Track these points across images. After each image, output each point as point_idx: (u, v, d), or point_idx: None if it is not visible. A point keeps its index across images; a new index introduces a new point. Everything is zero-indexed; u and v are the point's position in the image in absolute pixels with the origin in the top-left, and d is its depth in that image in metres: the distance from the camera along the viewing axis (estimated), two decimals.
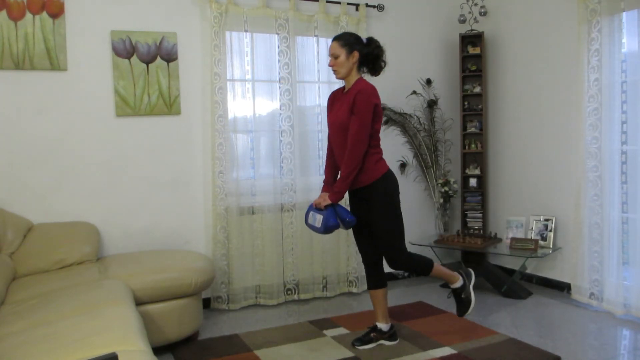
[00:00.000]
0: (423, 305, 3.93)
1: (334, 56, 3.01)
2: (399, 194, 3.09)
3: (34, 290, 2.81)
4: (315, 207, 3.10)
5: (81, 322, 2.16)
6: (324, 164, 3.29)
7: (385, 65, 3.11)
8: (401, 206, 3.11)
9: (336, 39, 3.04)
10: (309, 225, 3.14)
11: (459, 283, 3.24)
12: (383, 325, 3.20)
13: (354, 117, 2.93)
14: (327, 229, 3.04)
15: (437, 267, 3.21)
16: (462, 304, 3.24)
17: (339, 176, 3.06)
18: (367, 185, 3.02)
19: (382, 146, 3.11)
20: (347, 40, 3.00)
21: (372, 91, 2.96)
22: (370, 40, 3.07)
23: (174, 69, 3.81)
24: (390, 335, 3.20)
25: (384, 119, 4.58)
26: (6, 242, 3.20)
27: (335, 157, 3.15)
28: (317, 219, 3.06)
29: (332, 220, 3.01)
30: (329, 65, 3.08)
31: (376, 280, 3.22)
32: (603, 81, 3.63)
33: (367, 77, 3.12)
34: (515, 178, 4.56)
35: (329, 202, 3.02)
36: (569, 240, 4.03)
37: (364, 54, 3.02)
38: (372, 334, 3.18)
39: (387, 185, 3.03)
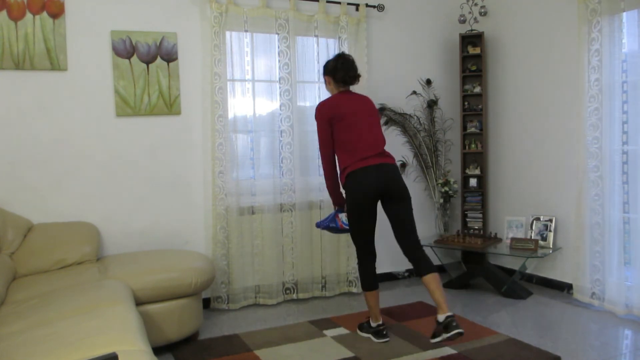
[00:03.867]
0: (423, 305, 3.93)
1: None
2: (354, 201, 3.15)
3: (34, 290, 2.81)
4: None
5: (81, 322, 2.16)
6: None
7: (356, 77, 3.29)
8: None
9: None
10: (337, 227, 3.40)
11: None
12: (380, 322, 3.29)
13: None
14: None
15: None
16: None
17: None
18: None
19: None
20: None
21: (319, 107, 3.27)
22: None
23: (174, 69, 3.81)
24: (377, 332, 3.26)
25: (384, 119, 4.58)
26: (6, 242, 3.19)
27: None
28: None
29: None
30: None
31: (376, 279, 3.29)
32: (603, 81, 3.63)
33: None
34: (515, 178, 4.56)
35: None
36: (570, 240, 4.03)
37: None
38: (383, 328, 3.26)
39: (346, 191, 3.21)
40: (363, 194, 3.09)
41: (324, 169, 3.29)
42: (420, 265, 3.08)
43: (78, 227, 3.48)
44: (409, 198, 3.17)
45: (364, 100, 3.28)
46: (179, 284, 3.11)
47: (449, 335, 2.81)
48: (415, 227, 3.18)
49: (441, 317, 2.88)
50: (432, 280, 3.00)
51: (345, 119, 3.14)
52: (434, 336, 2.92)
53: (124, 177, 3.75)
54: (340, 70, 3.20)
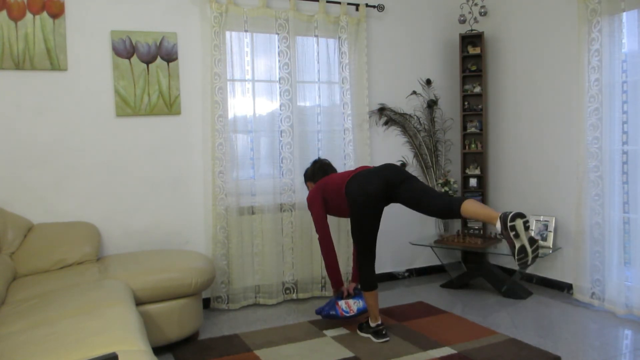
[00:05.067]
0: (423, 305, 3.93)
1: None
2: (357, 198, 3.16)
3: (34, 290, 2.81)
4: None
5: (81, 322, 2.16)
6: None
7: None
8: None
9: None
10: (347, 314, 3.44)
11: None
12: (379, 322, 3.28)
13: None
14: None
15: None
16: None
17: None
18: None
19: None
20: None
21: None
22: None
23: (174, 69, 3.81)
24: (376, 332, 3.26)
25: (384, 119, 4.58)
26: (6, 242, 3.20)
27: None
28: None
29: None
30: None
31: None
32: (603, 81, 3.63)
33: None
34: (515, 178, 4.56)
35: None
36: (570, 240, 4.03)
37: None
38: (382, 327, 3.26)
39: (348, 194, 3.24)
40: (363, 190, 3.13)
41: (323, 252, 3.41)
42: (451, 209, 2.89)
43: (78, 227, 3.48)
44: (412, 176, 3.19)
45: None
46: (179, 284, 3.11)
47: (510, 224, 2.51)
48: (435, 190, 3.11)
49: (498, 225, 2.60)
50: (468, 206, 2.79)
51: (329, 181, 3.44)
52: (512, 248, 2.56)
53: (124, 177, 3.74)
54: (318, 174, 3.64)
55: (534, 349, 3.04)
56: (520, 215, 2.54)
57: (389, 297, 4.14)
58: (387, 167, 3.23)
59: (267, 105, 4.13)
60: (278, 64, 4.09)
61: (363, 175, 3.20)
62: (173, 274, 3.12)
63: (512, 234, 2.52)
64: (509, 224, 2.51)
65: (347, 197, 3.21)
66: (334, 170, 3.71)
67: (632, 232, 3.58)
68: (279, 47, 4.08)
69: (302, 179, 4.18)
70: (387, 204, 3.21)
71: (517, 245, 2.52)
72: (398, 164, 4.61)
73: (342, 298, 3.44)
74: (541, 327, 3.45)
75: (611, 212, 3.67)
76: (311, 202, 3.48)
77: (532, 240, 2.53)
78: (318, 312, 3.47)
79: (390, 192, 3.14)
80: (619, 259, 3.64)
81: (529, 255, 2.52)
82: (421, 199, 3.05)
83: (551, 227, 4.16)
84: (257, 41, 4.05)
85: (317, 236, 3.43)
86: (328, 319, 3.47)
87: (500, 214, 2.61)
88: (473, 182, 4.73)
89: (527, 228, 2.54)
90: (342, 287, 3.46)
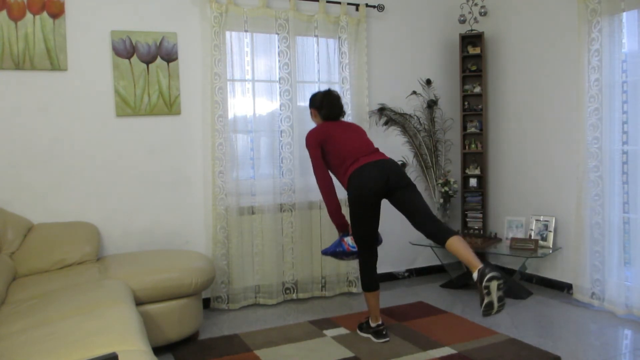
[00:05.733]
0: (423, 305, 3.93)
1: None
2: (358, 196, 3.14)
3: (34, 290, 2.81)
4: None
5: (81, 322, 2.16)
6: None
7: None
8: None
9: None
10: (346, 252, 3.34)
11: None
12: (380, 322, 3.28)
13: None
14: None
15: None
16: None
17: None
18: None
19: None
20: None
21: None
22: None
23: (174, 69, 3.81)
24: (376, 332, 3.26)
25: (384, 119, 4.58)
26: (6, 242, 3.20)
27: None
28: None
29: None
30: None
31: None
32: (603, 81, 3.63)
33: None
34: (515, 178, 4.56)
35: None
36: (570, 240, 4.03)
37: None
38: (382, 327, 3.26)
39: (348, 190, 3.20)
40: (364, 188, 3.11)
41: (323, 193, 3.31)
42: (438, 237, 3.00)
43: (78, 227, 3.48)
44: (413, 185, 3.19)
45: (350, 124, 3.48)
46: (179, 284, 3.11)
47: (484, 283, 2.62)
48: (430, 210, 3.12)
49: (475, 275, 2.71)
50: (453, 242, 2.90)
51: (334, 137, 3.31)
52: (481, 300, 2.67)
53: (124, 177, 3.75)
54: (325, 109, 3.43)
55: (534, 349, 3.04)
56: (497, 277, 2.66)
57: (389, 297, 4.14)
58: (391, 170, 3.17)
59: (267, 105, 4.14)
60: (278, 64, 4.09)
61: (365, 172, 3.14)
62: (173, 274, 3.12)
63: (484, 291, 2.67)
64: (484, 283, 2.66)
65: (348, 191, 3.20)
66: (339, 109, 3.46)
67: (632, 232, 3.58)
68: (279, 47, 4.08)
69: (303, 178, 4.18)
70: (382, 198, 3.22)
71: (486, 301, 2.68)
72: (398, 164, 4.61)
73: (348, 235, 3.34)
74: (541, 327, 3.46)
75: (611, 212, 3.67)
76: (309, 145, 3.37)
77: (500, 299, 2.69)
78: (324, 253, 3.40)
79: (387, 191, 3.14)
80: (619, 259, 3.64)
81: (494, 310, 2.69)
82: (415, 214, 3.10)
83: (551, 227, 4.16)
84: (257, 41, 4.05)
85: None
86: (334, 257, 3.37)
87: (480, 267, 2.71)
88: (473, 182, 4.73)
89: (499, 289, 2.68)
90: (348, 227, 3.36)
